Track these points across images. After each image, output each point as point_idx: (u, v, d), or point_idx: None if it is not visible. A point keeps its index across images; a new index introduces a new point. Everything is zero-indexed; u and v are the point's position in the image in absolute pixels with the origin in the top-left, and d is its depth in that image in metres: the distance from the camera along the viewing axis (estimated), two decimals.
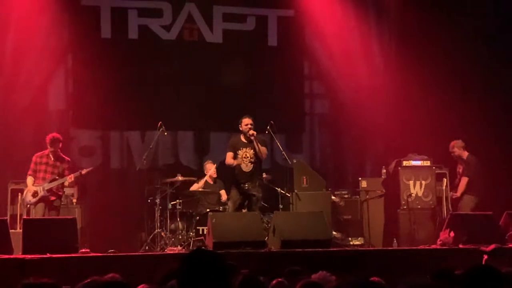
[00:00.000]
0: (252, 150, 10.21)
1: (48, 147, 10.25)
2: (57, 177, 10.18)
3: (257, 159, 10.26)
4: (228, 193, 10.96)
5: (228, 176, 11.19)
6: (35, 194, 10.05)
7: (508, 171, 12.45)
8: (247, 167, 10.21)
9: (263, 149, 10.23)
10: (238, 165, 10.22)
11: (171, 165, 12.84)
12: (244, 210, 10.35)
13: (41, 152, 10.32)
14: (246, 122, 10.24)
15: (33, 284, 3.63)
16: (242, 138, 10.30)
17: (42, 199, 10.06)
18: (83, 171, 10.37)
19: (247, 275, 4.47)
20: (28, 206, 10.14)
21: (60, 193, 10.33)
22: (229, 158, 10.34)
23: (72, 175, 10.20)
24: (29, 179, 10.20)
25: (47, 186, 10.09)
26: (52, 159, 10.26)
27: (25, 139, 11.86)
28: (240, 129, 10.32)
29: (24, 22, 12.27)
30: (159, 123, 11.21)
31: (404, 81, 13.28)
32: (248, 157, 10.21)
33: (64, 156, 10.43)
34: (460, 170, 11.29)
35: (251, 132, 10.14)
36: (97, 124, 12.82)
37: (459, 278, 3.81)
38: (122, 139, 13.05)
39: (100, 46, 12.79)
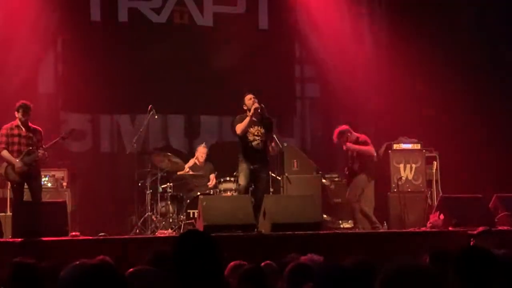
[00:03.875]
0: (262, 128, 10.02)
1: (19, 116, 9.57)
2: (34, 149, 9.54)
3: (266, 138, 10.07)
4: (235, 170, 10.65)
5: (220, 158, 11.21)
6: (19, 171, 9.45)
7: (495, 154, 12.49)
8: (258, 145, 10.01)
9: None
10: (250, 142, 9.97)
11: (161, 148, 12.82)
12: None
13: (9, 124, 9.65)
14: (250, 97, 10.06)
15: (20, 263, 3.64)
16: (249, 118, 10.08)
17: (26, 175, 9.55)
18: (65, 135, 9.95)
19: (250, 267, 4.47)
20: (15, 185, 9.61)
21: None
22: (239, 126, 10.03)
23: (52, 141, 9.70)
24: (5, 152, 9.50)
25: (28, 159, 9.47)
26: (24, 130, 9.62)
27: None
28: (245, 108, 10.10)
29: (13, 5, 12.18)
30: (149, 107, 11.18)
31: (395, 65, 13.29)
32: (259, 135, 10.01)
33: (35, 126, 9.81)
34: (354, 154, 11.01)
35: (256, 105, 9.94)
36: (87, 108, 12.79)
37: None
38: (112, 122, 13.03)
39: (90, 29, 12.76)
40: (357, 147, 10.61)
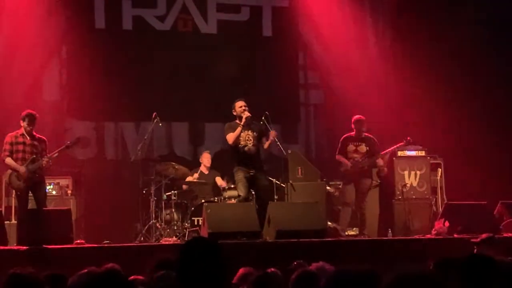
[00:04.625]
0: (253, 133, 9.98)
1: (25, 125, 9.58)
2: (38, 157, 9.56)
3: (258, 142, 10.04)
4: (230, 179, 10.75)
5: (224, 165, 11.19)
6: (24, 177, 9.42)
7: (500, 160, 12.48)
8: (250, 150, 9.97)
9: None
10: (242, 148, 9.94)
11: (165, 156, 12.82)
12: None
13: (14, 132, 9.67)
14: (240, 105, 10.01)
15: (18, 274, 3.64)
16: (239, 123, 10.03)
17: (31, 183, 9.53)
18: (69, 143, 9.98)
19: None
20: (19, 193, 9.59)
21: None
22: (230, 135, 9.97)
23: (57, 150, 9.73)
24: (9, 160, 9.49)
25: (32, 167, 9.47)
26: (29, 138, 9.62)
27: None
28: (234, 114, 10.09)
29: (18, 13, 12.22)
30: (153, 114, 11.19)
31: (399, 71, 13.29)
32: (251, 140, 9.97)
33: (40, 135, 9.83)
34: (360, 148, 11.10)
35: (246, 113, 9.93)
36: (91, 115, 12.80)
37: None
38: (117, 130, 13.04)
39: (94, 37, 12.77)
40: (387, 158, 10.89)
